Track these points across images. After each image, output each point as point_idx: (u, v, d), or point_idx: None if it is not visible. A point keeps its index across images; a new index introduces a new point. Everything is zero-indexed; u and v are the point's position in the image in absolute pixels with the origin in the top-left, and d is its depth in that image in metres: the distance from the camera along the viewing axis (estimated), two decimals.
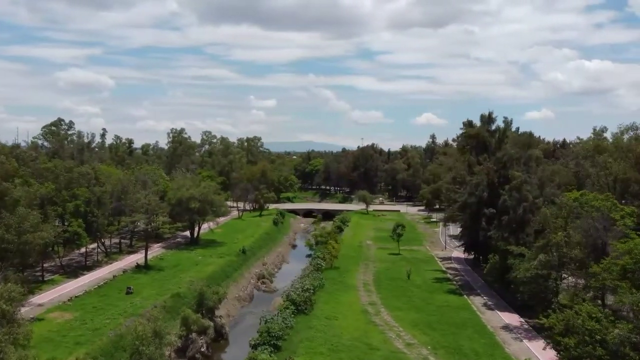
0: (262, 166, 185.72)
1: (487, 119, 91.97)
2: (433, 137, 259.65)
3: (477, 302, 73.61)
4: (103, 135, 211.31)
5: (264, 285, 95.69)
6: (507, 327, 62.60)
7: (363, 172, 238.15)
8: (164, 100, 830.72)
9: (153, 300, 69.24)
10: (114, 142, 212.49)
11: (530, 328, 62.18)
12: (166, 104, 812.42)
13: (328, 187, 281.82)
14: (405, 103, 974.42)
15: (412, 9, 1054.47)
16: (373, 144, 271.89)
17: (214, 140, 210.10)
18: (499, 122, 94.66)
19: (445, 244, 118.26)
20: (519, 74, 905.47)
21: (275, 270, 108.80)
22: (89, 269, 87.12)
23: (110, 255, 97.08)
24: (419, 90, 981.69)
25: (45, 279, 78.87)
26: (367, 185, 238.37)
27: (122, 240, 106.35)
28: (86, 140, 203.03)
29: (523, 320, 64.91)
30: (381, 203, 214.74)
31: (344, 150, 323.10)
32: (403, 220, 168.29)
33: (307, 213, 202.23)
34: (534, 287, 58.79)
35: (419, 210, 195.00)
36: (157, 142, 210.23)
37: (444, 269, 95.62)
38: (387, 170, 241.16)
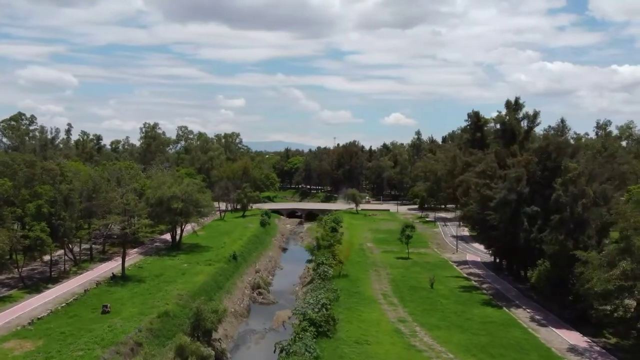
0: (244, 163, 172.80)
1: (514, 105, 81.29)
2: (418, 133, 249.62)
3: (522, 316, 62.64)
4: (68, 132, 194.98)
5: (261, 296, 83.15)
6: (574, 350, 51.68)
7: (348, 170, 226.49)
8: (131, 99, 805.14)
9: (136, 322, 56.15)
10: (81, 139, 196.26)
11: (603, 350, 51.41)
12: (133, 103, 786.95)
13: (308, 186, 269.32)
14: (374, 103, 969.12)
15: (380, 9, 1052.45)
16: (355, 141, 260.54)
17: (191, 136, 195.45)
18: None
19: (456, 246, 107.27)
20: (484, 75, 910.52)
21: (270, 277, 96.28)
22: (55, 281, 73.27)
23: (79, 264, 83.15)
24: (387, 91, 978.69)
25: (0, 295, 64.92)
26: (351, 183, 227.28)
27: (93, 246, 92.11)
28: (50, 136, 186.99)
29: (589, 340, 54.14)
30: (367, 202, 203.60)
31: (318, 149, 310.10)
32: (396, 220, 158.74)
33: (291, 213, 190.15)
34: (614, 302, 47.91)
35: (410, 210, 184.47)
36: (127, 137, 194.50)
37: (465, 274, 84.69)
38: (372, 168, 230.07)
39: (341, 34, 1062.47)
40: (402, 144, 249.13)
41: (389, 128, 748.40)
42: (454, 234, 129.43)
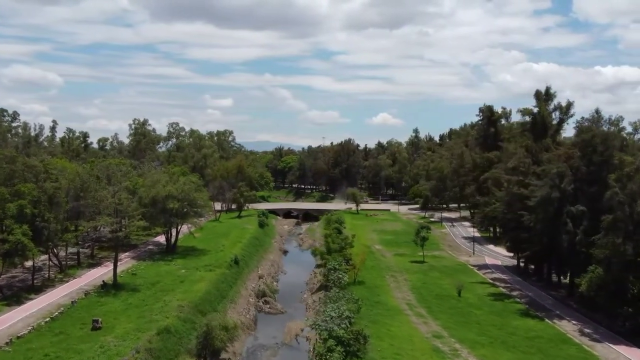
0: (239, 161, 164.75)
1: (545, 96, 74.45)
2: (416, 131, 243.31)
3: (569, 329, 55.82)
4: (53, 129, 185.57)
5: (267, 305, 75.53)
6: None
7: (345, 169, 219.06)
8: (117, 98, 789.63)
9: (133, 341, 48.34)
10: (67, 136, 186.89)
11: None
12: (119, 102, 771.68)
13: (302, 186, 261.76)
14: (362, 103, 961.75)
15: (367, 9, 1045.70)
16: (350, 139, 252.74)
17: (182, 133, 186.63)
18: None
19: (473, 249, 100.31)
20: (471, 75, 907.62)
21: (274, 283, 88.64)
22: (38, 290, 65.20)
23: (66, 271, 75.08)
24: (374, 91, 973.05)
25: None
26: (348, 182, 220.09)
27: (80, 250, 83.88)
28: (33, 134, 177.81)
29: None
30: (365, 202, 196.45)
31: (310, 148, 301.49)
32: (399, 220, 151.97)
33: (287, 213, 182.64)
34: None
35: (410, 209, 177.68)
36: (116, 134, 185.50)
37: (490, 280, 77.88)
38: (369, 167, 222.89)
39: (328, 34, 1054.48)
40: (400, 142, 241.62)
41: (376, 128, 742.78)
42: (465, 235, 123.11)
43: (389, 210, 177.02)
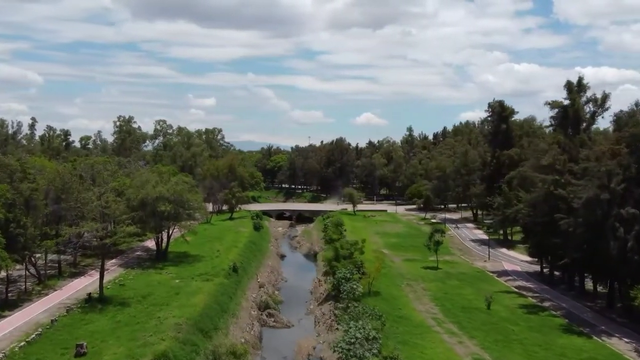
0: (230, 160, 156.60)
1: (577, 87, 67.99)
2: (410, 129, 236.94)
3: (623, 348, 49.33)
4: (32, 126, 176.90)
5: (272, 319, 68.11)
6: None
7: (339, 168, 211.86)
8: (98, 98, 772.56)
9: None
10: (47, 134, 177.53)
11: None
12: (100, 102, 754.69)
13: (293, 186, 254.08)
14: (345, 103, 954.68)
15: (350, 9, 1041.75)
16: (341, 138, 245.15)
17: (170, 131, 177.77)
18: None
19: (488, 254, 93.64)
20: (454, 76, 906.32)
21: (276, 293, 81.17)
22: (13, 306, 57.20)
23: (45, 282, 66.95)
24: (358, 90, 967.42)
25: None
26: (341, 182, 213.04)
27: (62, 257, 75.49)
28: (10, 131, 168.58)
29: None
30: (360, 202, 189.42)
31: (297, 147, 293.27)
32: (399, 222, 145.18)
33: (280, 215, 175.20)
34: None
35: (408, 210, 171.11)
36: (99, 132, 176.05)
37: (514, 289, 71.33)
38: (362, 166, 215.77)
39: (312, 33, 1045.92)
40: (394, 141, 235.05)
41: (360, 128, 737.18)
42: (472, 237, 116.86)
43: (385, 210, 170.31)
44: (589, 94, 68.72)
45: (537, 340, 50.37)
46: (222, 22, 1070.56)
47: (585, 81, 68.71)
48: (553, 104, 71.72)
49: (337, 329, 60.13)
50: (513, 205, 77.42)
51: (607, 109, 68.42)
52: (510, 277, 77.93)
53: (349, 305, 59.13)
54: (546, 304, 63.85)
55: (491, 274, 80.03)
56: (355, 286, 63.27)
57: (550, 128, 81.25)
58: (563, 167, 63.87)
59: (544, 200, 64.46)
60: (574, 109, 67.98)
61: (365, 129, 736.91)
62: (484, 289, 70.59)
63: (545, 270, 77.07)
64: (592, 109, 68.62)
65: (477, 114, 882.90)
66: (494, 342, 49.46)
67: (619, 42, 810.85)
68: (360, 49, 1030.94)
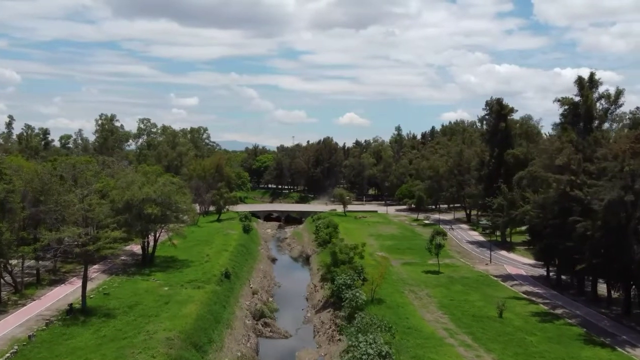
0: (217, 160, 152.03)
1: (588, 83, 64.74)
2: (399, 129, 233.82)
3: None
4: (9, 125, 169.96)
5: (268, 329, 63.86)
6: None
7: (327, 168, 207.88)
8: (78, 97, 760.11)
9: None
10: (25, 133, 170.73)
11: None
12: (80, 101, 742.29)
13: (280, 186, 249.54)
14: (329, 103, 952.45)
15: (333, 9, 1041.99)
16: (329, 137, 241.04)
17: (154, 130, 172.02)
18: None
19: (490, 257, 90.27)
20: (435, 76, 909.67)
21: (270, 299, 76.88)
22: None
23: (22, 291, 62.04)
24: (341, 90, 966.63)
25: None
26: (329, 182, 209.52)
27: (41, 263, 70.33)
28: None
29: None
30: (350, 203, 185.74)
31: (281, 146, 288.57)
32: (391, 223, 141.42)
33: (268, 216, 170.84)
34: None
35: (398, 210, 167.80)
36: (80, 131, 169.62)
37: (523, 295, 67.92)
38: (351, 166, 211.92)
39: (294, 33, 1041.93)
40: (383, 140, 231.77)
41: (343, 128, 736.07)
42: (468, 239, 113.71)
43: (376, 211, 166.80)
44: (600, 89, 65.74)
45: (559, 353, 46.82)
46: (204, 21, 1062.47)
47: (597, 77, 65.54)
48: (563, 101, 68.54)
49: (339, 340, 56.23)
50: (519, 206, 74.13)
51: (620, 106, 65.52)
52: (515, 282, 74.59)
53: (355, 315, 55.18)
54: (559, 311, 60.47)
55: (495, 278, 76.63)
56: (358, 294, 59.27)
57: (551, 127, 78.40)
58: (578, 167, 60.60)
59: (555, 201, 61.10)
60: (587, 106, 64.80)
61: (348, 129, 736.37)
62: (491, 294, 67.17)
63: (551, 274, 73.84)
64: (604, 105, 65.64)
65: (458, 115, 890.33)
66: (514, 356, 45.81)
67: (597, 44, 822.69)
68: (343, 49, 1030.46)
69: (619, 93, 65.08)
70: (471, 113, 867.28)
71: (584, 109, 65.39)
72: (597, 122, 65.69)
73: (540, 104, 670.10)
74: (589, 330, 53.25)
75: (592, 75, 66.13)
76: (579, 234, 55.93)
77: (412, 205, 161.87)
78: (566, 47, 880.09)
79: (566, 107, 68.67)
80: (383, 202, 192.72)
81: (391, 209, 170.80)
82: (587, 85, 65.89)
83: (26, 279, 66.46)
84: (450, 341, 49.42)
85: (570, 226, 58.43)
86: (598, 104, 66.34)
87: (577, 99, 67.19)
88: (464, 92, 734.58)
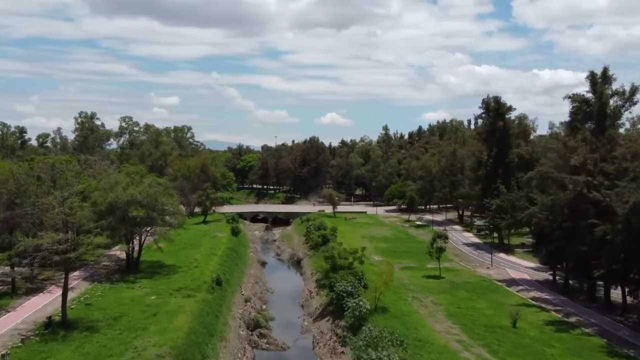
0: (203, 159, 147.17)
1: (602, 78, 61.69)
2: (386, 128, 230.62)
3: None
4: None
5: (264, 340, 59.54)
6: None
7: (314, 168, 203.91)
8: (56, 95, 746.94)
9: None
10: (0, 131, 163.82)
11: None
12: (58, 99, 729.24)
13: (265, 186, 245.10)
14: (310, 103, 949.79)
15: (315, 9, 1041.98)
16: (315, 137, 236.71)
17: (136, 129, 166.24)
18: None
19: (491, 260, 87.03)
20: (416, 77, 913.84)
21: (264, 307, 72.60)
22: None
23: None
24: (323, 90, 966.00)
25: None
26: (316, 182, 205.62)
27: (16, 270, 65.18)
28: None
29: None
30: (339, 203, 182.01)
31: (265, 146, 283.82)
32: (383, 224, 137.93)
33: (254, 217, 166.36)
34: None
35: (388, 211, 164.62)
36: (59, 129, 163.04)
37: (531, 301, 64.67)
38: (338, 166, 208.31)
39: (276, 33, 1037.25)
40: (371, 140, 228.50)
41: (324, 127, 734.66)
42: (464, 241, 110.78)
43: (365, 212, 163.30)
44: (614, 86, 62.75)
45: None
46: (185, 20, 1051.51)
47: (610, 72, 62.52)
48: (574, 98, 65.47)
49: (342, 352, 52.33)
50: (524, 207, 70.97)
51: (635, 103, 62.51)
52: (521, 287, 71.39)
53: (358, 325, 51.28)
54: (572, 319, 57.32)
55: (500, 284, 73.40)
56: (362, 303, 55.35)
57: (556, 126, 75.72)
58: (594, 167, 57.51)
59: (566, 203, 57.92)
60: (601, 103, 61.74)
61: (329, 128, 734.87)
62: (498, 301, 63.87)
63: (558, 278, 70.83)
64: (617, 102, 62.71)
65: (438, 115, 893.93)
66: None
67: (574, 46, 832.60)
68: (325, 49, 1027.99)
69: (635, 90, 62.20)
70: (451, 113, 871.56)
71: (597, 106, 62.39)
72: (609, 120, 62.66)
73: (519, 104, 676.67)
74: (609, 341, 50.05)
75: (605, 70, 63.12)
76: (597, 238, 52.76)
77: (402, 206, 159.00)
78: (544, 48, 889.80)
79: (576, 104, 65.59)
80: (372, 203, 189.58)
81: (380, 210, 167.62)
82: (599, 81, 62.93)
83: (0, 287, 61.46)
84: (466, 355, 45.78)
85: (584, 229, 55.27)
86: (611, 101, 63.46)
87: (588, 95, 64.41)
88: (444, 93, 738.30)
